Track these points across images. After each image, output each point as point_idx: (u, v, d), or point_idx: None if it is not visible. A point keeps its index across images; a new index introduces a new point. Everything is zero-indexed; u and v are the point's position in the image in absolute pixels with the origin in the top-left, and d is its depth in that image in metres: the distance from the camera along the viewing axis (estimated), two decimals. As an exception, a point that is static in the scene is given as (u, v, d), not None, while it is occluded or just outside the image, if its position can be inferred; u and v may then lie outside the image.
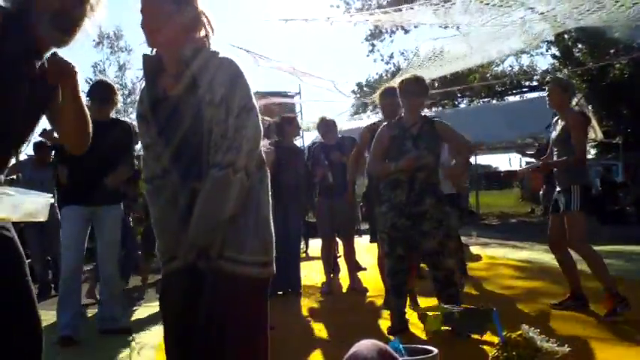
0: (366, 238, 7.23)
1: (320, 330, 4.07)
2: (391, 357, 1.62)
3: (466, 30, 8.23)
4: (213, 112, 1.70)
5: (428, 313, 2.97)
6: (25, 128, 1.74)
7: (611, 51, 15.00)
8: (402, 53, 22.08)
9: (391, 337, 3.38)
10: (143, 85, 1.85)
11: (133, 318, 4.86)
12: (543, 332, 2.52)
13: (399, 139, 3.76)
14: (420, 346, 2.53)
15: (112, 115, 4.35)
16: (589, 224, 4.16)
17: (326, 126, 5.88)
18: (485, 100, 21.41)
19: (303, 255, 8.64)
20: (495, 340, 2.58)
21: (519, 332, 2.43)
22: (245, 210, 1.73)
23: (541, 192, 16.69)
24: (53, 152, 5.27)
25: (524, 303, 4.50)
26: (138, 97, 1.87)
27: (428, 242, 3.62)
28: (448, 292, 3.63)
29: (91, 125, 1.80)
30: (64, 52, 1.73)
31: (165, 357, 1.86)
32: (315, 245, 8.06)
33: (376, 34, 20.31)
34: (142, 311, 5.11)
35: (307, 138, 15.20)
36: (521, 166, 23.19)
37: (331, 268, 5.89)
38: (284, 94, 14.61)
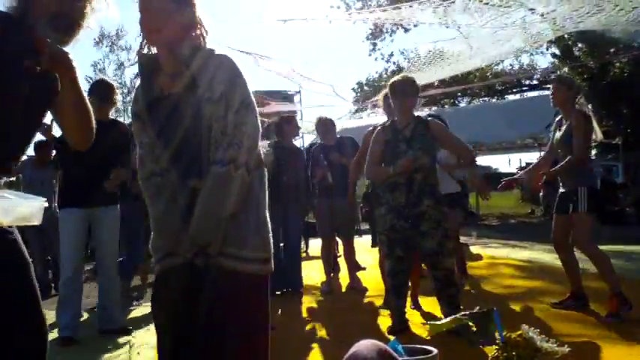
0: (366, 237, 7.24)
1: (320, 329, 4.07)
2: (391, 357, 1.62)
3: (466, 31, 8.22)
4: (213, 108, 1.70)
5: (436, 323, 2.95)
6: (27, 128, 1.74)
7: (612, 50, 15.01)
8: (402, 53, 22.15)
9: (391, 337, 3.39)
10: (138, 83, 1.85)
11: (132, 317, 4.86)
12: (543, 332, 2.51)
13: (392, 142, 3.78)
14: (419, 346, 2.53)
15: (112, 114, 4.35)
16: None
17: (324, 126, 5.88)
18: (485, 99, 21.42)
19: (303, 255, 8.64)
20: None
21: (519, 332, 2.42)
22: (246, 207, 1.74)
23: (541, 193, 16.73)
24: (54, 152, 5.27)
25: (524, 303, 4.50)
26: (133, 96, 1.86)
27: (427, 242, 3.63)
28: (448, 292, 3.64)
29: (94, 120, 1.80)
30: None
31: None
32: (315, 245, 8.06)
33: (376, 33, 20.32)
34: (141, 311, 5.11)
35: (307, 139, 15.20)
36: (521, 166, 23.26)
37: (331, 267, 5.89)
38: (284, 94, 14.62)
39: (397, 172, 3.64)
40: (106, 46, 22.05)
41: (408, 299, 4.08)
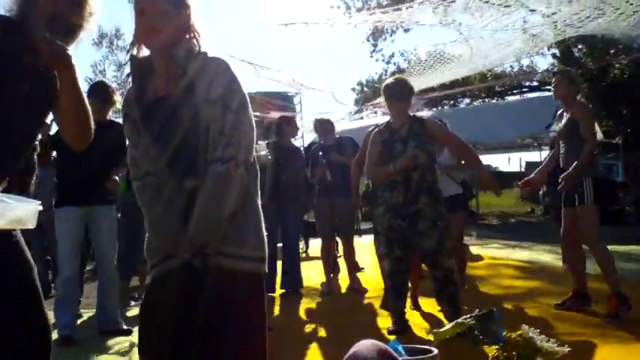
0: (366, 237, 7.22)
1: (320, 330, 4.07)
2: (391, 357, 1.62)
3: (467, 32, 8.23)
4: (211, 109, 1.71)
5: (439, 330, 2.94)
6: (28, 127, 1.74)
7: (612, 51, 15.01)
8: (402, 54, 22.15)
9: (391, 337, 3.39)
10: (129, 85, 1.84)
11: (132, 317, 4.86)
12: (543, 332, 2.52)
13: (389, 143, 3.79)
14: (419, 346, 2.53)
15: (111, 114, 4.35)
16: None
17: (323, 127, 5.89)
18: (485, 100, 21.42)
19: (303, 255, 8.65)
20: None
21: (519, 332, 2.43)
22: (243, 205, 1.75)
23: (541, 192, 16.73)
24: (55, 152, 5.26)
25: (524, 303, 4.50)
26: (123, 98, 1.85)
27: (425, 242, 3.62)
28: (448, 291, 3.64)
29: (92, 120, 1.80)
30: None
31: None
32: (315, 245, 8.06)
33: (377, 34, 20.32)
34: (141, 311, 5.09)
35: (307, 139, 15.21)
36: (521, 166, 23.23)
37: (331, 268, 5.89)
38: (284, 95, 14.63)
39: (398, 170, 3.65)
40: (106, 47, 22.08)
41: (408, 300, 4.08)
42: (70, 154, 1.92)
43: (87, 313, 5.01)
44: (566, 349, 2.41)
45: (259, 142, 4.64)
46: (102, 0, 1.80)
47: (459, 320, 2.82)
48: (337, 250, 6.68)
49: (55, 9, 1.66)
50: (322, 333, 4.00)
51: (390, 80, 3.97)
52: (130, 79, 1.84)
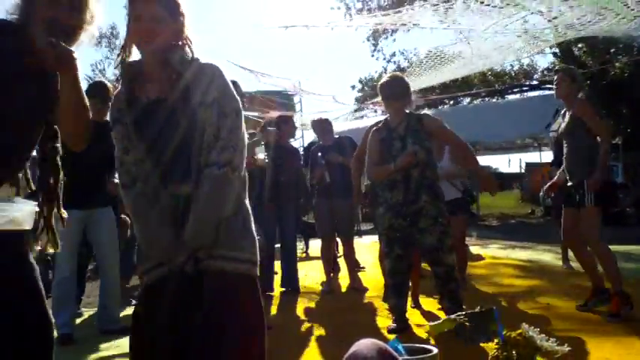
0: (367, 237, 7.24)
1: (320, 329, 4.07)
2: (391, 356, 1.62)
3: (467, 33, 8.24)
4: (206, 114, 1.73)
5: (435, 323, 2.94)
6: (31, 128, 1.75)
7: (612, 50, 15.01)
8: (402, 53, 22.16)
9: (390, 337, 3.39)
10: (118, 89, 1.84)
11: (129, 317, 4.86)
12: (543, 331, 2.52)
13: (387, 141, 3.79)
14: (419, 345, 2.53)
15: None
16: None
17: (321, 127, 5.89)
18: (485, 99, 21.41)
19: (303, 255, 8.65)
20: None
21: (519, 331, 2.42)
22: (235, 209, 1.77)
23: (541, 193, 16.72)
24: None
25: (524, 302, 4.50)
26: (112, 102, 1.84)
27: (426, 239, 3.63)
28: (449, 288, 3.65)
29: (90, 120, 1.81)
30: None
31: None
32: (315, 245, 8.06)
33: (377, 34, 20.34)
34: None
35: (308, 137, 15.22)
36: (520, 167, 23.21)
37: (331, 267, 5.90)
38: (284, 94, 14.65)
39: (399, 168, 3.65)
40: (105, 47, 22.06)
41: (409, 299, 4.08)
42: (69, 155, 1.91)
43: (87, 312, 5.02)
44: (566, 348, 2.41)
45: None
46: (101, 0, 1.81)
47: (452, 316, 2.83)
48: (337, 249, 6.68)
49: (54, 14, 1.67)
50: (322, 332, 4.00)
51: (385, 79, 3.95)
52: (119, 83, 1.85)
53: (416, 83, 10.49)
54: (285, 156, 5.51)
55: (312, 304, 5.05)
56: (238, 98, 1.81)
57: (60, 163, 1.85)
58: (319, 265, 5.92)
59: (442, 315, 3.77)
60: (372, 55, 21.69)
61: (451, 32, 9.96)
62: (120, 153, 1.82)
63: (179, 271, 1.71)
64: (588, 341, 3.27)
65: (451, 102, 21.18)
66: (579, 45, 16.66)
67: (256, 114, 11.30)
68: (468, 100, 21.42)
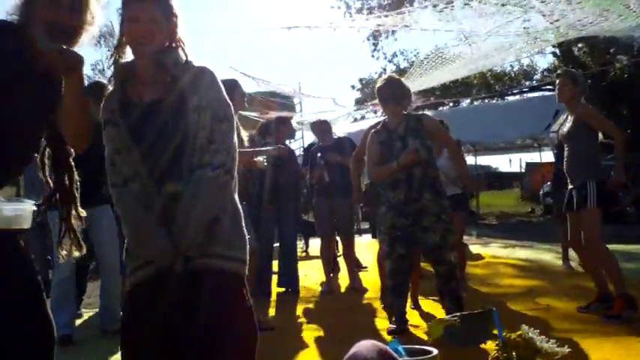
0: (366, 237, 7.24)
1: (319, 330, 4.07)
2: (391, 357, 1.62)
3: (468, 34, 8.24)
4: (199, 116, 1.74)
5: (433, 323, 2.94)
6: (34, 129, 1.75)
7: (611, 50, 15.01)
8: (402, 53, 22.16)
9: (388, 337, 3.39)
10: (110, 90, 1.84)
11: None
12: (543, 332, 2.51)
13: (387, 143, 3.79)
14: (419, 346, 2.53)
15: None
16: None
17: (320, 127, 5.91)
18: (485, 100, 21.42)
19: (303, 254, 8.66)
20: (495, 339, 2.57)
21: (519, 332, 2.42)
22: (227, 210, 1.79)
23: (541, 192, 16.73)
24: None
25: (524, 302, 4.50)
26: (104, 103, 1.83)
27: (430, 237, 3.63)
28: (450, 286, 3.65)
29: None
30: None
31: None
32: (315, 245, 8.06)
33: (377, 33, 20.33)
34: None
35: (308, 138, 15.24)
36: (521, 167, 23.21)
37: (331, 267, 5.90)
38: (283, 94, 14.64)
39: (402, 166, 3.64)
40: (105, 47, 22.03)
41: (408, 300, 4.08)
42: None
43: (87, 313, 5.02)
44: (566, 349, 2.40)
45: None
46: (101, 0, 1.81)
47: (445, 317, 2.83)
48: (337, 249, 6.68)
49: (54, 16, 1.67)
50: (321, 333, 4.00)
51: (381, 82, 3.93)
52: (111, 84, 1.85)
53: (416, 84, 10.49)
54: (284, 157, 5.52)
55: (312, 305, 5.06)
56: (230, 103, 1.83)
57: (73, 163, 1.86)
58: (319, 264, 5.92)
59: (442, 316, 3.77)
60: (373, 55, 21.72)
61: (452, 32, 9.96)
62: (111, 153, 1.82)
63: (168, 269, 1.71)
64: (588, 342, 3.27)
65: (451, 104, 21.17)
66: (579, 45, 16.66)
67: (256, 114, 11.31)
68: (468, 101, 21.44)
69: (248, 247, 1.85)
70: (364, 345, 1.62)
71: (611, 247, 4.08)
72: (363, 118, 20.01)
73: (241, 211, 1.86)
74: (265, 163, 4.19)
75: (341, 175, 5.35)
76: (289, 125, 6.05)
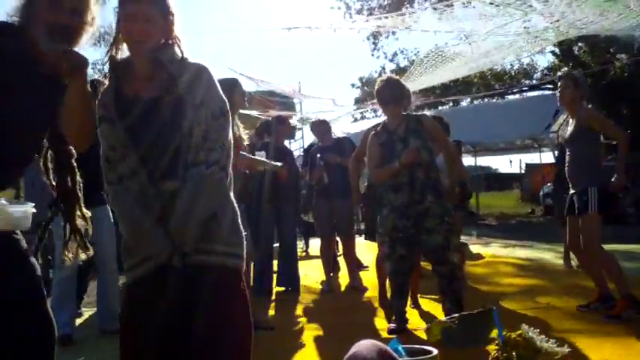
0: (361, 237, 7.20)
1: (319, 329, 4.07)
2: (391, 357, 1.62)
3: (469, 34, 8.25)
4: (195, 113, 1.75)
5: (429, 325, 2.94)
6: (33, 129, 1.75)
7: (611, 49, 15.01)
8: (402, 52, 22.16)
9: (387, 336, 3.38)
10: (106, 87, 1.84)
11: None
12: (543, 332, 2.51)
13: (388, 145, 3.78)
14: (419, 346, 2.53)
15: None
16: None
17: (319, 128, 5.91)
18: (485, 99, 21.41)
19: (303, 254, 8.66)
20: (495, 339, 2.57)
21: (519, 332, 2.42)
22: (224, 206, 1.81)
23: (541, 193, 16.73)
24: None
25: (524, 302, 4.50)
26: (99, 99, 1.84)
27: (433, 239, 3.62)
28: (453, 287, 3.65)
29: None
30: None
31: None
32: (315, 244, 8.06)
33: (377, 33, 20.32)
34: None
35: (308, 138, 15.22)
36: (520, 168, 23.19)
37: (331, 266, 5.90)
38: (283, 95, 14.62)
39: (404, 164, 3.64)
40: (105, 46, 22.02)
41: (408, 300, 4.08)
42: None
43: (87, 312, 5.02)
44: (566, 349, 2.41)
45: (257, 152, 4.70)
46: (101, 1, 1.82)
47: (444, 319, 2.84)
48: (337, 248, 6.68)
49: (55, 18, 1.68)
50: (321, 332, 4.00)
51: (381, 84, 3.92)
52: (107, 80, 1.85)
53: (416, 84, 10.49)
54: (283, 157, 5.53)
55: (312, 304, 5.05)
56: (225, 99, 1.83)
57: (75, 164, 1.87)
58: (319, 264, 5.92)
59: (442, 316, 3.77)
60: (372, 54, 21.73)
61: (452, 33, 9.97)
62: (106, 150, 1.82)
63: (166, 266, 1.72)
64: (588, 342, 3.27)
65: (451, 103, 21.18)
66: (579, 44, 16.65)
67: (256, 112, 11.31)
68: (468, 100, 21.44)
69: (245, 243, 1.87)
70: (364, 345, 1.63)
71: (611, 247, 4.08)
72: (363, 117, 20.01)
73: (237, 208, 1.87)
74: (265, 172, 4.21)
75: (341, 175, 5.35)
76: (288, 125, 6.05)
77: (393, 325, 3.76)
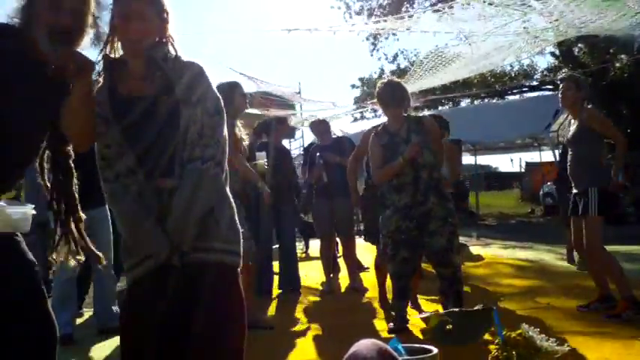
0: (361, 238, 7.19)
1: (319, 329, 4.07)
2: (391, 356, 1.62)
3: (468, 34, 8.25)
4: (190, 111, 1.76)
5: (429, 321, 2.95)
6: (35, 129, 1.75)
7: (611, 50, 14.99)
8: (402, 52, 22.15)
9: (387, 335, 3.39)
10: (100, 85, 1.84)
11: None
12: (543, 331, 2.52)
13: (391, 146, 3.78)
14: (419, 345, 2.53)
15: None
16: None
17: (318, 128, 5.91)
18: (485, 99, 21.42)
19: (303, 255, 8.65)
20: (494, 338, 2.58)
21: (519, 331, 2.43)
22: (220, 203, 1.81)
23: (541, 192, 16.73)
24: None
25: (524, 302, 4.50)
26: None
27: (437, 241, 3.62)
28: (455, 289, 3.65)
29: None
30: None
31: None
32: (315, 245, 8.06)
33: (377, 34, 20.32)
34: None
35: (307, 138, 15.21)
36: (520, 167, 23.19)
37: (331, 267, 5.90)
38: (283, 96, 14.62)
39: (407, 159, 3.63)
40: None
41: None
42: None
43: (88, 312, 5.02)
44: (566, 348, 2.41)
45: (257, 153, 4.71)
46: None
47: (442, 312, 2.84)
48: (337, 249, 6.68)
49: (55, 19, 1.68)
50: (322, 332, 4.00)
51: (381, 86, 3.92)
52: (101, 78, 1.85)
53: (416, 85, 10.49)
54: (281, 157, 5.55)
55: (312, 305, 5.05)
56: (220, 97, 1.84)
57: (73, 165, 1.86)
58: (319, 265, 5.92)
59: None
60: (372, 55, 21.70)
61: (452, 34, 9.98)
62: (101, 147, 1.82)
63: (166, 264, 1.73)
64: (588, 341, 3.27)
65: (450, 103, 21.18)
66: (579, 45, 16.65)
67: (257, 111, 11.32)
68: (468, 100, 21.43)
69: (242, 240, 1.87)
70: (364, 344, 1.62)
71: (611, 247, 4.08)
72: (362, 117, 19.99)
73: (234, 204, 1.88)
74: (266, 166, 4.21)
75: (340, 175, 5.34)
76: (287, 125, 6.06)
77: (393, 324, 3.76)
